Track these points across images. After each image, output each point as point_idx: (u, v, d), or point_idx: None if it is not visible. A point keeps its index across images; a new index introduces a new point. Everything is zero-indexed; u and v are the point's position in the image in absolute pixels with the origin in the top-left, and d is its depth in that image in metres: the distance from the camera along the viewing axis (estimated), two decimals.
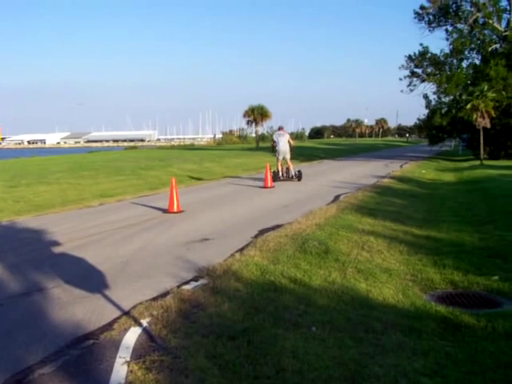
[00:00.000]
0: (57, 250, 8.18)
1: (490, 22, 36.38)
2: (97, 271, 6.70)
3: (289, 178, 19.48)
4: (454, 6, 37.49)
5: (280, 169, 19.44)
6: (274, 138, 19.55)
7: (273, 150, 19.59)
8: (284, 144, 18.94)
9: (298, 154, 40.17)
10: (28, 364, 3.95)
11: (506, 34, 34.55)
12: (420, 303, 5.58)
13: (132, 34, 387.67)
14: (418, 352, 4.17)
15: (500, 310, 5.41)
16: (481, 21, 37.24)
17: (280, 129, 20.09)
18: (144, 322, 4.75)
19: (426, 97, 40.86)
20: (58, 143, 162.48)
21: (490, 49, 36.59)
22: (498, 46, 36.93)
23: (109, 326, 4.73)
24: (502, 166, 26.71)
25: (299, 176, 19.47)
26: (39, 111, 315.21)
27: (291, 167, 19.58)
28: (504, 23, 36.94)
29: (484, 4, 36.13)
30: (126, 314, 5.05)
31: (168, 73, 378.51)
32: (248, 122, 62.81)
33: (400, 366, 3.86)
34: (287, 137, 19.26)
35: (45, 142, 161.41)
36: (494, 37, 37.43)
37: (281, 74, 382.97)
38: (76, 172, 22.03)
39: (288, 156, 19.14)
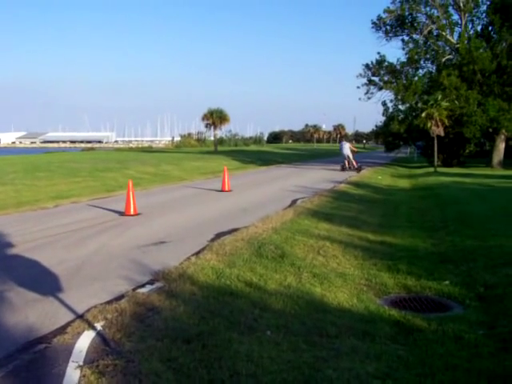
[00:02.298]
0: (10, 252, 7.96)
1: (444, 34, 37.44)
2: (51, 274, 6.55)
3: (352, 169, 29.02)
4: (409, 17, 38.46)
5: (346, 164, 29.70)
6: (340, 146, 32.46)
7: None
8: (345, 150, 29.68)
9: (256, 158, 40.46)
10: None
11: (458, 46, 35.62)
12: (374, 307, 5.68)
13: (91, 34, 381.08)
14: (371, 355, 4.23)
15: (450, 313, 5.57)
16: (435, 32, 38.30)
17: (342, 140, 34.29)
18: (98, 326, 4.67)
19: (384, 104, 41.66)
20: (13, 143, 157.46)
21: (443, 59, 37.62)
22: (451, 57, 38.04)
23: (62, 330, 4.62)
24: (455, 174, 27.46)
25: (358, 168, 29.02)
26: None
27: (353, 163, 29.58)
28: (456, 36, 38.17)
29: (438, 17, 37.22)
30: (80, 317, 4.95)
31: (127, 74, 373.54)
32: (207, 126, 62.73)
33: (353, 370, 3.91)
34: (348, 145, 30.17)
35: None
36: (447, 48, 38.54)
37: (240, 78, 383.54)
38: (31, 173, 21.45)
39: (351, 157, 29.59)
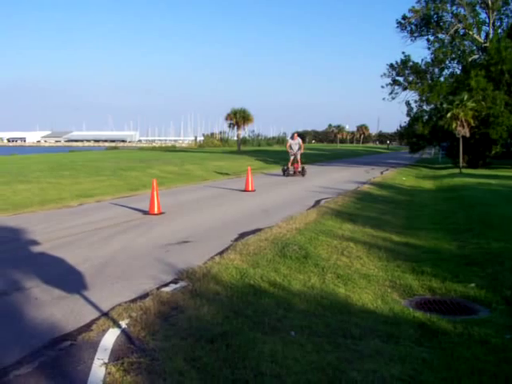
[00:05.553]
0: (35, 249, 8.08)
1: (471, 33, 37.03)
2: (76, 272, 6.63)
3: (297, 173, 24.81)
4: (435, 16, 38.11)
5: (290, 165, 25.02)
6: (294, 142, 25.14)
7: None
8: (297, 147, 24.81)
9: (280, 158, 40.39)
10: (3, 365, 3.87)
11: (486, 45, 35.14)
12: (398, 309, 5.63)
13: (116, 34, 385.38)
14: (396, 358, 4.20)
15: (476, 317, 5.49)
16: (461, 32, 37.90)
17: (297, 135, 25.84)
18: (123, 324, 4.71)
19: (408, 104, 41.33)
20: (39, 142, 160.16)
21: (470, 59, 37.17)
22: (477, 56, 37.55)
23: (87, 327, 4.68)
24: (480, 175, 27.05)
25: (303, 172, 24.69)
26: (20, 109, 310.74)
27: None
28: (483, 35, 37.66)
29: (465, 16, 36.80)
30: (105, 315, 5.00)
31: (151, 73, 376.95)
32: (230, 125, 63.03)
33: (378, 372, 3.88)
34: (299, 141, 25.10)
35: (25, 140, 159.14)
36: (474, 48, 38.11)
37: (264, 78, 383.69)
38: (56, 171, 21.76)
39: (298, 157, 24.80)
